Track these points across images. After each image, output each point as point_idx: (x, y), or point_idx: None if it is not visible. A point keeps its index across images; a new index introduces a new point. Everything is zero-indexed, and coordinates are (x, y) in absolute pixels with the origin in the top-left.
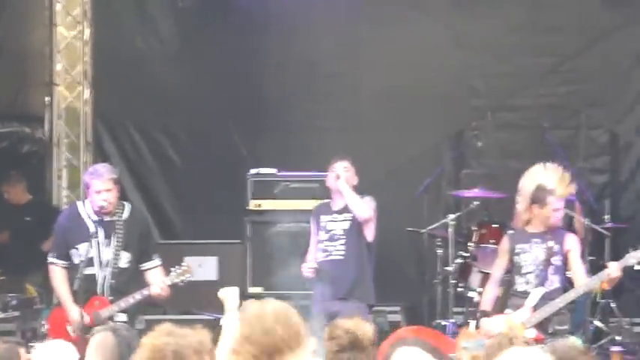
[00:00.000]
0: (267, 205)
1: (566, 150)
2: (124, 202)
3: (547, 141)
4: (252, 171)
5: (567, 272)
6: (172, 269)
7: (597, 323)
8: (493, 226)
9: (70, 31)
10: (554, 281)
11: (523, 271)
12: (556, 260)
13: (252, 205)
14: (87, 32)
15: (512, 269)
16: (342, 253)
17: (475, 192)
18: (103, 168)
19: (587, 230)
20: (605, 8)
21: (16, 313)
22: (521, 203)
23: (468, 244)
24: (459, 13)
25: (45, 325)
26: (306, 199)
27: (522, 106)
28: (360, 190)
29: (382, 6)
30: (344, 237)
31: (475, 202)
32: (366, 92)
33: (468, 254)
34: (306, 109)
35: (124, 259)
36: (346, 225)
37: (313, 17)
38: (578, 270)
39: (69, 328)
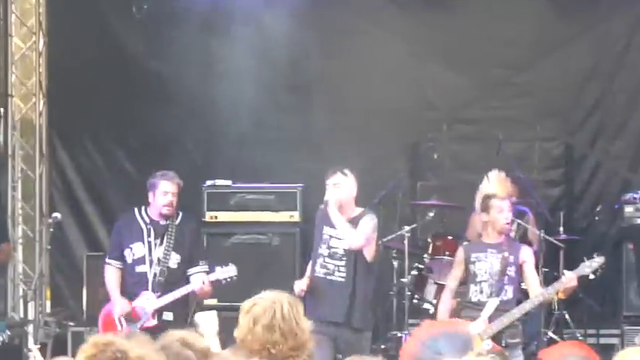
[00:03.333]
0: (223, 216)
1: (521, 162)
2: (179, 211)
3: (502, 153)
4: (208, 182)
5: (521, 284)
6: (218, 267)
7: (551, 334)
8: (448, 237)
9: (25, 42)
10: (508, 291)
11: (477, 279)
12: (510, 271)
13: (208, 216)
14: (41, 43)
15: (468, 279)
16: (344, 275)
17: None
18: (171, 173)
19: (541, 242)
20: (559, 21)
21: None
22: (477, 217)
23: (424, 255)
24: (414, 25)
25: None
26: (262, 211)
27: (477, 119)
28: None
29: (337, 18)
30: (345, 257)
31: (430, 214)
32: (320, 104)
33: (423, 266)
34: (260, 121)
35: (174, 260)
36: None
37: (265, 29)
38: (533, 282)
39: (117, 322)
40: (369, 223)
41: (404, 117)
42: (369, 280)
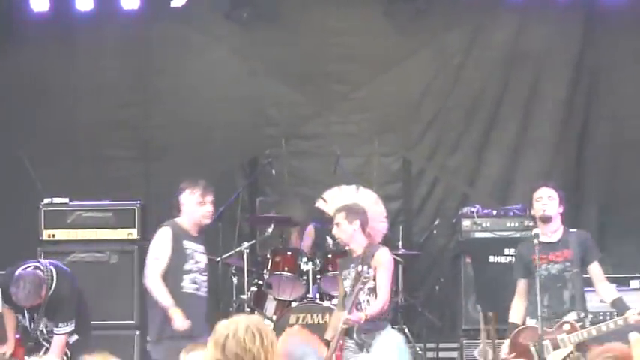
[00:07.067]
0: (60, 235)
1: (359, 177)
2: (53, 275)
3: (340, 169)
4: (45, 200)
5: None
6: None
7: None
8: (287, 253)
9: None
10: (370, 301)
11: (348, 296)
12: (371, 283)
13: (46, 235)
14: None
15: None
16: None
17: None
18: (22, 292)
19: None
20: (397, 36)
21: None
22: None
23: (263, 271)
24: (252, 41)
25: None
26: (99, 229)
27: (316, 134)
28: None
29: (176, 34)
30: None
31: (269, 230)
32: (159, 121)
33: (263, 282)
34: (98, 138)
35: (43, 324)
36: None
37: (102, 43)
38: (379, 286)
39: None
40: None
41: (242, 132)
42: None
